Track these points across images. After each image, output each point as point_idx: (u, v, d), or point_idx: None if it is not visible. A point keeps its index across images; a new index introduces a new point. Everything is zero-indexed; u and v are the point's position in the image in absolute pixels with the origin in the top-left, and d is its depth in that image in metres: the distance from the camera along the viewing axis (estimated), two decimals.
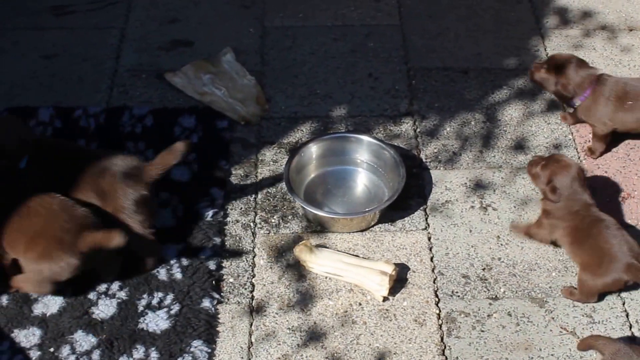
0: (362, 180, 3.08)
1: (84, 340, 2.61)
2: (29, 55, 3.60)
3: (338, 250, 2.83)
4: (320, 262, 2.77)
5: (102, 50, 3.62)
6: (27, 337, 2.63)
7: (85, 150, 3.04)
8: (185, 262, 2.81)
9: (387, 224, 2.93)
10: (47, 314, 2.68)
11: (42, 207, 2.63)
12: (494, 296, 2.72)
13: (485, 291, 2.73)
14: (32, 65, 3.55)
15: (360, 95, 3.41)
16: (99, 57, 3.59)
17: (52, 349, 2.59)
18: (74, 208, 2.64)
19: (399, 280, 2.75)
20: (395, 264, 2.74)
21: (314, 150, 3.07)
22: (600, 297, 2.69)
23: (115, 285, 2.75)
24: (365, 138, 3.08)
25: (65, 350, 2.59)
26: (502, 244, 2.87)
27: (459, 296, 2.72)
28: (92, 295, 2.72)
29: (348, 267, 2.74)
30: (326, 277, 2.77)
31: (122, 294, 2.73)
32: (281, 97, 3.41)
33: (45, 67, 3.54)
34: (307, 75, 3.51)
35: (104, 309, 2.69)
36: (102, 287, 2.74)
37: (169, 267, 2.79)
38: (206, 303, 2.70)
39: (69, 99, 3.39)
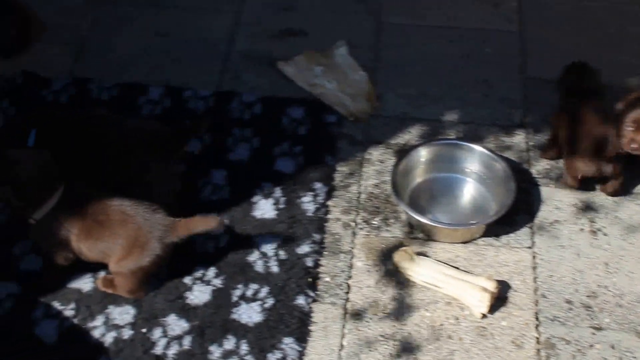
0: (469, 191, 3.00)
1: (176, 324, 2.61)
2: (144, 32, 3.61)
3: (439, 261, 2.76)
4: (419, 271, 2.70)
5: (216, 33, 3.61)
6: (121, 314, 2.64)
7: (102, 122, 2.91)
8: (283, 255, 2.78)
9: (491, 238, 2.85)
10: None
11: (117, 213, 2.59)
12: (597, 326, 2.61)
13: (588, 319, 2.63)
14: (146, 42, 3.57)
15: (472, 101, 3.33)
16: (212, 40, 3.58)
17: (144, 330, 2.60)
18: (141, 206, 2.60)
19: (499, 298, 2.67)
20: (496, 280, 2.66)
21: (422, 154, 3.00)
22: None
23: (211, 272, 2.73)
24: (476, 147, 3.00)
25: (156, 333, 2.59)
26: (610, 272, 2.75)
27: (560, 322, 2.62)
28: (187, 280, 2.72)
29: (448, 279, 2.67)
30: (424, 287, 2.71)
31: (218, 282, 2.71)
32: (391, 96, 3.35)
33: (159, 45, 3.55)
34: (419, 76, 3.44)
35: (198, 295, 2.68)
36: (198, 273, 2.73)
37: (266, 259, 2.76)
38: (300, 300, 2.66)
39: (179, 79, 3.39)
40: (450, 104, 3.31)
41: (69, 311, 2.64)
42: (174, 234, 2.56)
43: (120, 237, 2.56)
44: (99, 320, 2.62)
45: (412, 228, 2.87)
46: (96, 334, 2.59)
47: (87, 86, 3.34)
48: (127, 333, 2.59)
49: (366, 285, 2.72)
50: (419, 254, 2.77)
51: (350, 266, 2.78)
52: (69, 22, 3.67)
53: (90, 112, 2.99)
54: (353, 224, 2.90)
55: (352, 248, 2.83)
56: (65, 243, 2.60)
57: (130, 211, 2.57)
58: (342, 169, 3.07)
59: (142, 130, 2.83)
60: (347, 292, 2.70)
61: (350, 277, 2.75)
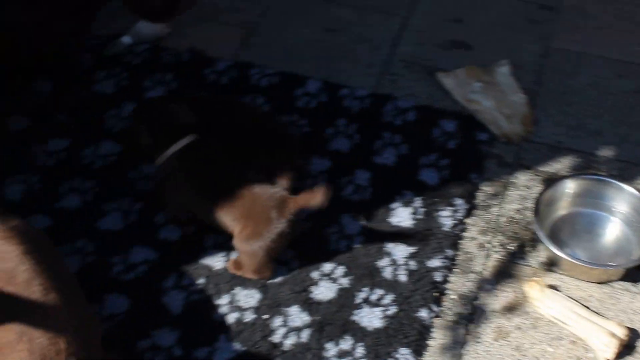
0: (613, 230, 2.90)
1: (297, 316, 2.64)
2: (312, 25, 3.67)
3: (570, 297, 2.68)
4: (548, 304, 2.64)
5: (382, 35, 3.63)
6: (247, 297, 2.69)
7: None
8: (412, 266, 2.77)
9: (628, 283, 2.75)
10: (269, 281, 2.74)
11: (234, 179, 2.68)
12: None
13: None
14: (312, 35, 3.62)
15: (634, 140, 3.21)
16: (377, 41, 3.60)
17: (265, 316, 2.64)
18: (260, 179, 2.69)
19: (628, 346, 2.57)
20: (628, 328, 2.57)
21: (570, 186, 2.92)
22: None
23: (340, 270, 2.75)
24: (627, 187, 2.89)
25: (277, 321, 2.63)
26: None
27: None
28: (315, 275, 2.75)
29: (577, 318, 2.60)
30: (551, 321, 2.64)
31: (345, 281, 2.73)
32: (548, 123, 3.28)
33: (324, 40, 3.60)
34: (580, 106, 3.35)
35: (324, 291, 2.70)
36: (327, 269, 2.76)
37: (396, 267, 2.76)
38: (423, 313, 2.65)
39: (339, 76, 3.43)
40: (609, 140, 3.21)
41: (197, 286, 2.71)
42: (287, 210, 2.59)
43: (233, 206, 2.64)
44: (224, 300, 2.68)
45: (548, 260, 2.81)
46: (220, 312, 2.65)
47: (249, 71, 3.42)
48: (249, 316, 2.64)
49: (491, 309, 2.68)
50: (551, 287, 2.70)
51: (479, 287, 2.74)
52: (242, 5, 3.78)
53: (233, 100, 3.14)
54: (488, 245, 2.86)
55: (484, 270, 2.79)
56: (177, 193, 2.74)
57: (250, 182, 2.66)
58: (486, 188, 3.03)
59: (273, 132, 2.94)
60: (472, 313, 2.67)
61: (476, 298, 2.71)
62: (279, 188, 2.68)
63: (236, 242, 2.67)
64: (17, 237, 2.29)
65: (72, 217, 2.90)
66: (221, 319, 2.63)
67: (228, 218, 2.66)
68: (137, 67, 3.44)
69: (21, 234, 2.31)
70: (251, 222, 2.63)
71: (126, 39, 3.50)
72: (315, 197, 2.57)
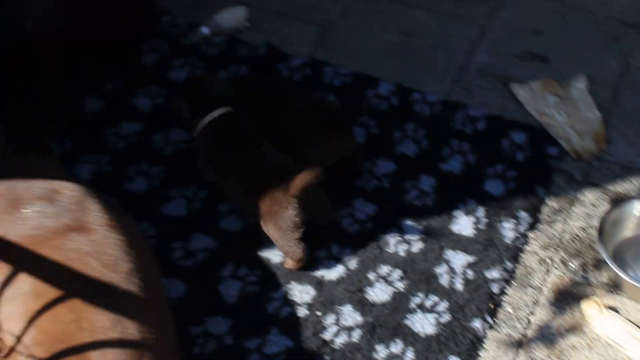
0: None
1: (350, 315, 2.64)
2: (389, 28, 3.66)
3: (629, 320, 2.63)
4: (606, 326, 2.59)
5: (458, 42, 3.60)
6: (301, 293, 2.70)
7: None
8: (470, 275, 2.75)
9: None
10: (325, 278, 2.74)
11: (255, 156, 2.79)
12: None
13: None
14: (389, 38, 3.62)
15: None
16: (452, 48, 3.58)
17: (318, 313, 2.65)
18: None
19: None
20: None
21: (638, 208, 2.86)
22: None
23: (396, 274, 2.75)
24: None
25: (329, 319, 2.64)
26: None
27: None
28: (371, 276, 2.74)
29: (634, 342, 2.55)
30: (607, 343, 2.59)
31: (400, 285, 2.72)
32: (622, 142, 3.21)
33: (399, 43, 3.59)
34: None
35: (378, 293, 2.70)
36: (384, 272, 2.75)
37: (453, 275, 2.74)
38: (477, 323, 2.62)
39: (411, 80, 3.41)
40: None
41: (253, 277, 2.74)
42: (291, 191, 2.61)
43: (252, 184, 2.73)
44: (279, 293, 2.70)
45: (610, 281, 2.76)
46: (273, 305, 2.67)
47: (322, 69, 3.43)
48: (302, 312, 2.65)
49: (547, 326, 2.64)
50: (610, 308, 2.65)
51: (536, 302, 2.70)
52: (322, 4, 3.79)
53: (279, 80, 3.26)
54: (549, 261, 2.82)
55: (542, 285, 2.75)
56: (207, 160, 2.88)
57: (270, 159, 2.77)
58: (551, 203, 2.98)
59: (317, 105, 3.00)
60: (526, 328, 2.64)
61: (532, 313, 2.68)
62: (292, 165, 2.73)
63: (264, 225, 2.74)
64: (123, 229, 2.37)
65: (138, 200, 2.95)
66: (274, 312, 2.66)
67: (248, 195, 2.75)
68: (212, 58, 3.48)
69: (126, 227, 2.40)
70: (267, 201, 2.67)
71: (204, 30, 3.54)
72: (309, 176, 2.58)
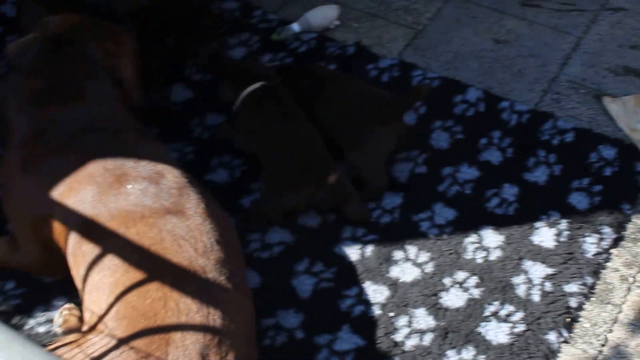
0: None
1: (423, 319, 2.62)
2: (482, 34, 3.62)
3: None
4: None
5: (552, 52, 3.54)
6: (375, 293, 2.69)
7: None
8: (548, 287, 2.69)
9: None
10: (400, 280, 2.73)
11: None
12: None
13: None
14: (480, 44, 3.58)
15: None
16: (545, 58, 3.52)
17: (391, 314, 2.63)
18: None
19: None
20: None
21: None
22: None
23: (472, 281, 2.71)
24: None
25: (402, 320, 2.62)
26: None
27: None
28: (447, 281, 2.71)
29: None
30: None
31: (476, 292, 2.69)
32: None
33: (492, 50, 3.55)
34: None
35: (453, 299, 2.67)
36: (460, 277, 2.72)
37: (530, 285, 2.69)
38: (552, 336, 2.57)
39: (500, 88, 3.37)
40: None
41: (328, 274, 2.73)
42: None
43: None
44: (352, 291, 2.69)
45: None
46: (347, 303, 2.67)
47: (410, 72, 3.41)
48: (374, 312, 2.64)
49: (625, 345, 2.57)
50: None
51: (615, 320, 2.64)
52: (414, 6, 3.77)
53: (326, 69, 3.31)
54: (631, 279, 2.75)
55: (623, 303, 2.68)
56: (241, 131, 3.03)
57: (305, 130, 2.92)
58: (637, 221, 2.91)
59: (369, 95, 3.05)
60: (603, 345, 2.57)
61: (611, 330, 2.61)
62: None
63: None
64: (216, 218, 2.44)
65: (218, 191, 2.97)
66: (347, 309, 2.65)
67: (282, 165, 2.87)
68: (301, 54, 3.49)
69: (219, 217, 2.46)
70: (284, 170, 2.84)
71: (295, 27, 3.56)
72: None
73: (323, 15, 3.61)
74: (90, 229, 2.34)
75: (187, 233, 2.30)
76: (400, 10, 3.74)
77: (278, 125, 2.93)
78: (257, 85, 3.02)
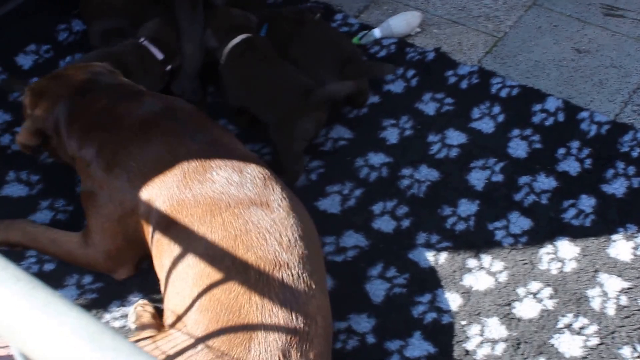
0: None
1: (495, 328, 2.61)
2: (563, 43, 3.59)
3: None
4: None
5: (634, 63, 3.49)
6: (448, 300, 2.70)
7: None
8: (623, 301, 2.67)
9: None
10: (473, 289, 2.73)
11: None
12: None
13: None
14: (561, 53, 3.55)
15: None
16: (627, 68, 3.47)
17: (463, 322, 2.64)
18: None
19: None
20: None
21: None
22: None
23: (546, 292, 2.70)
24: None
25: (474, 329, 2.62)
26: None
27: None
28: (521, 291, 2.71)
29: None
30: None
31: (550, 303, 2.67)
32: None
33: (572, 59, 3.52)
34: None
35: (527, 309, 2.66)
36: (533, 287, 2.71)
37: (605, 299, 2.67)
38: (626, 351, 2.54)
39: (580, 98, 3.34)
40: None
41: (401, 279, 2.75)
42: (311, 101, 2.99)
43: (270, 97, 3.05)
44: (425, 298, 2.70)
45: None
46: (419, 309, 2.68)
47: (490, 79, 3.40)
48: (446, 319, 2.65)
49: None
50: None
51: None
52: (495, 14, 3.76)
53: (308, 16, 3.44)
54: None
55: None
56: (230, 84, 3.17)
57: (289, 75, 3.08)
58: None
59: (338, 48, 3.27)
60: None
61: None
62: (311, 83, 3.04)
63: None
64: (300, 215, 2.47)
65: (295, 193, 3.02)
66: (419, 316, 2.66)
67: (269, 109, 3.03)
68: (380, 59, 3.51)
69: (302, 214, 2.49)
70: (285, 109, 2.97)
71: (377, 32, 3.58)
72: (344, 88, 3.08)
73: (406, 23, 3.61)
74: (176, 215, 2.37)
75: (272, 226, 2.30)
76: (481, 17, 3.73)
77: (263, 70, 3.10)
78: (238, 39, 3.17)
